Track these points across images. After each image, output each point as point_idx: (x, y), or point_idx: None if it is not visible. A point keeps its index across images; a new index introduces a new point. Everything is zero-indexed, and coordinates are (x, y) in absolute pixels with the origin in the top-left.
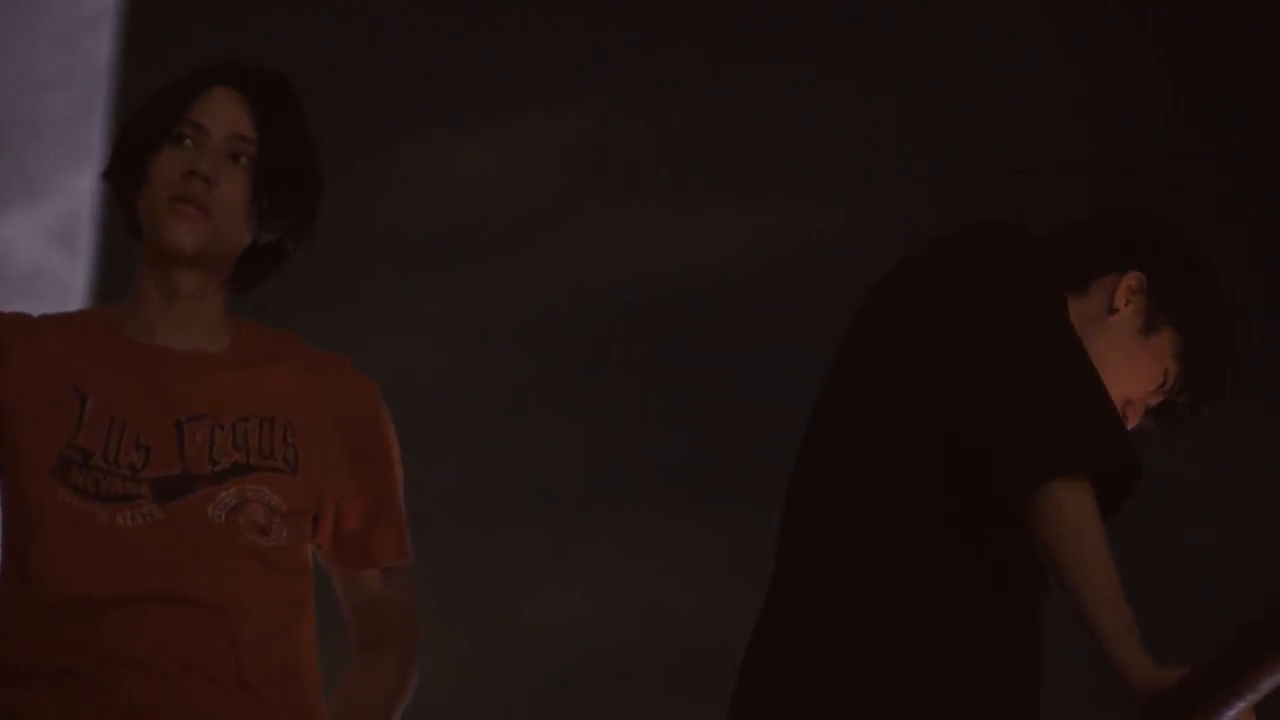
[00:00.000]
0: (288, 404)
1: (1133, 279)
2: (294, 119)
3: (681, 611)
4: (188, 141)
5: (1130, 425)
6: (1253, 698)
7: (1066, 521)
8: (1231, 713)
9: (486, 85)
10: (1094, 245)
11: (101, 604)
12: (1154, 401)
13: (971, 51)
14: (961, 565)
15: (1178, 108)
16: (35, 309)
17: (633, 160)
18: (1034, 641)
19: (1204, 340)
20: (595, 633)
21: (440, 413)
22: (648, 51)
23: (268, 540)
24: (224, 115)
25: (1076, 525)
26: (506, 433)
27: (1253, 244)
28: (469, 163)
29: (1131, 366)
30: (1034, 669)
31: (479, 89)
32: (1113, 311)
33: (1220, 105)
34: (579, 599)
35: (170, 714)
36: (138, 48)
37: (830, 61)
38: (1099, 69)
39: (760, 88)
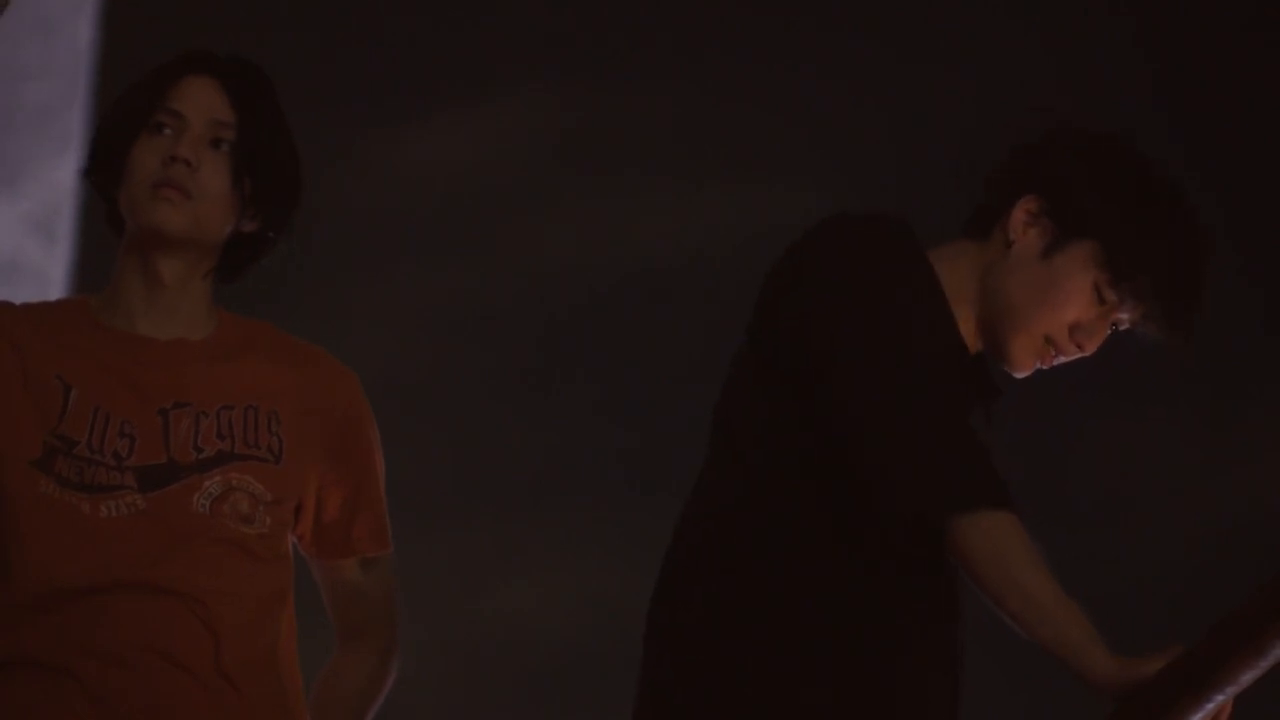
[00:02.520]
0: (271, 393)
1: (1027, 203)
2: (271, 105)
3: (636, 602)
4: (167, 130)
5: (1089, 351)
6: (1232, 690)
7: (974, 555)
8: (1210, 705)
9: (449, 76)
10: (992, 188)
11: (77, 594)
12: (1121, 319)
13: (936, 38)
14: (806, 569)
15: (1147, 91)
16: (13, 299)
17: (597, 151)
18: (890, 641)
19: (1125, 233)
20: (550, 623)
21: (396, 403)
22: (613, 42)
23: (250, 529)
24: (202, 102)
25: (985, 556)
26: (462, 422)
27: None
28: (428, 154)
29: (1042, 294)
30: (886, 676)
31: (441, 80)
32: (1010, 245)
33: (1205, 107)
34: (535, 590)
35: (143, 705)
36: (118, 36)
37: (796, 52)
38: (1067, 54)
39: (726, 77)
